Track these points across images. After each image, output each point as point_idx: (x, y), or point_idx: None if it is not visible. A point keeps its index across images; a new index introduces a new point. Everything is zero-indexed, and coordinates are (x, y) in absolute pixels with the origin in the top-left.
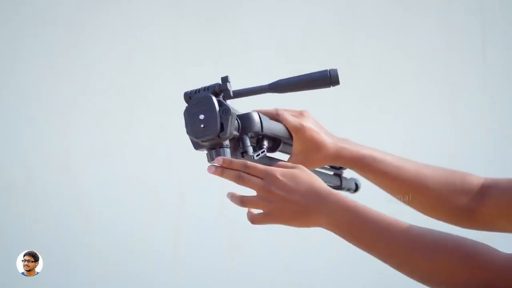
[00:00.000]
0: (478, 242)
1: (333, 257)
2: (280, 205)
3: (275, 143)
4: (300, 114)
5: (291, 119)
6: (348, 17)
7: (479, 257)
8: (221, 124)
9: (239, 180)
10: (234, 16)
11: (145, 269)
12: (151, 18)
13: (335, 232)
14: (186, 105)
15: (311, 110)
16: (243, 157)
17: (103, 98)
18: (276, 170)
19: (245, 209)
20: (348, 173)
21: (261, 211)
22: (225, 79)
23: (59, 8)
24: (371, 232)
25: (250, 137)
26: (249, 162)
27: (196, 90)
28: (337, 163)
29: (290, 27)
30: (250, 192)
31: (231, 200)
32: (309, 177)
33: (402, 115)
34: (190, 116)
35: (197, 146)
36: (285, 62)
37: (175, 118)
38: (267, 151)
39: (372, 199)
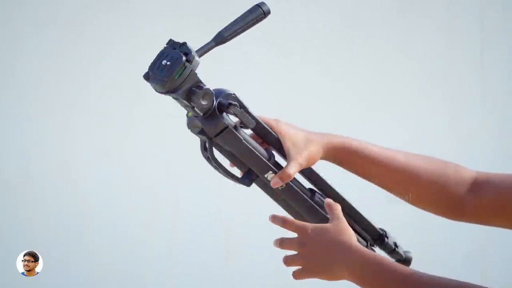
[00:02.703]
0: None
1: None
2: (311, 261)
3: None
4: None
5: (267, 118)
6: (348, 21)
7: None
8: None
9: (281, 245)
10: (234, 16)
11: (141, 269)
12: (151, 19)
13: (358, 284)
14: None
15: (310, 112)
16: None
17: (102, 99)
18: (308, 226)
19: (241, 211)
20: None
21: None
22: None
23: (60, 8)
24: (390, 283)
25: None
26: (287, 218)
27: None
28: (328, 156)
29: (289, 27)
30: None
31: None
32: (338, 232)
33: (400, 119)
34: (153, 72)
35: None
36: (284, 62)
37: (174, 119)
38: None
39: (372, 199)
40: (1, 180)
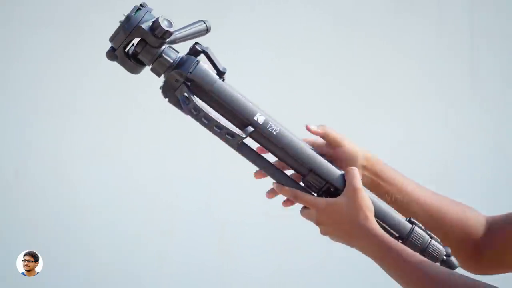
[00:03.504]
0: (489, 285)
1: (323, 258)
2: (331, 236)
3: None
4: None
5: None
6: (340, 21)
7: None
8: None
9: (301, 215)
10: (227, 16)
11: (134, 268)
12: None
13: (368, 256)
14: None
15: (305, 111)
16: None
17: (96, 99)
18: (320, 203)
19: (234, 209)
20: None
21: None
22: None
23: (54, 9)
24: (402, 268)
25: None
26: (299, 193)
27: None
28: (366, 159)
29: (285, 27)
30: None
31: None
32: (353, 208)
33: (392, 118)
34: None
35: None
36: (279, 61)
37: (168, 119)
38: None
39: None
40: (1, 180)
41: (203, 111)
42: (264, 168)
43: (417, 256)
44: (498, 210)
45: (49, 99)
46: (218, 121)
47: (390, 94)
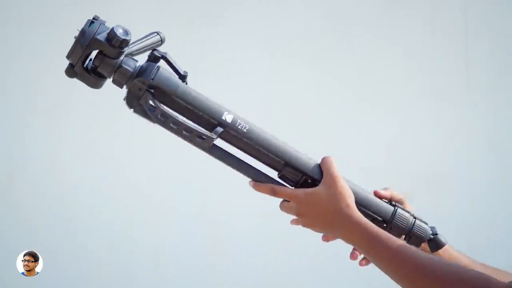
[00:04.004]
0: (480, 273)
1: (316, 258)
2: (312, 227)
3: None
4: None
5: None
6: (332, 20)
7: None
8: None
9: (281, 209)
10: (220, 16)
11: (127, 268)
12: (136, 19)
13: (350, 244)
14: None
15: (295, 113)
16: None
17: (92, 100)
18: (300, 194)
19: (226, 210)
20: None
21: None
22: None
23: (45, 9)
24: (378, 247)
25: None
26: (276, 188)
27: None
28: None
29: (282, 27)
30: None
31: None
32: (332, 196)
33: (387, 115)
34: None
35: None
36: (274, 62)
37: None
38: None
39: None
40: (1, 180)
41: (171, 116)
42: (238, 167)
43: (401, 242)
44: (494, 209)
45: (46, 99)
46: (187, 124)
47: (385, 94)
